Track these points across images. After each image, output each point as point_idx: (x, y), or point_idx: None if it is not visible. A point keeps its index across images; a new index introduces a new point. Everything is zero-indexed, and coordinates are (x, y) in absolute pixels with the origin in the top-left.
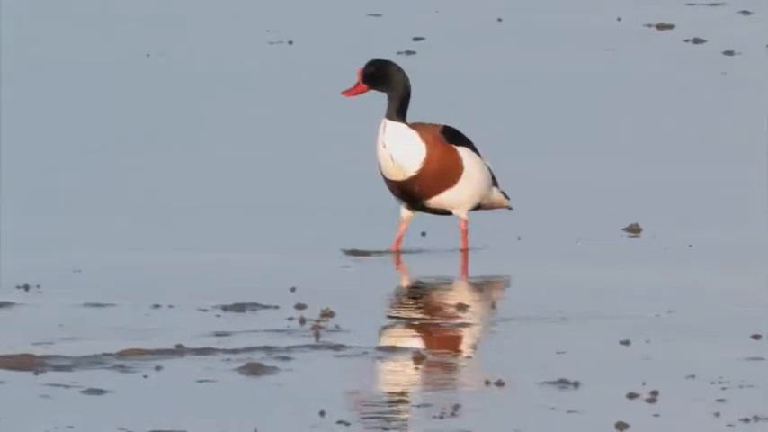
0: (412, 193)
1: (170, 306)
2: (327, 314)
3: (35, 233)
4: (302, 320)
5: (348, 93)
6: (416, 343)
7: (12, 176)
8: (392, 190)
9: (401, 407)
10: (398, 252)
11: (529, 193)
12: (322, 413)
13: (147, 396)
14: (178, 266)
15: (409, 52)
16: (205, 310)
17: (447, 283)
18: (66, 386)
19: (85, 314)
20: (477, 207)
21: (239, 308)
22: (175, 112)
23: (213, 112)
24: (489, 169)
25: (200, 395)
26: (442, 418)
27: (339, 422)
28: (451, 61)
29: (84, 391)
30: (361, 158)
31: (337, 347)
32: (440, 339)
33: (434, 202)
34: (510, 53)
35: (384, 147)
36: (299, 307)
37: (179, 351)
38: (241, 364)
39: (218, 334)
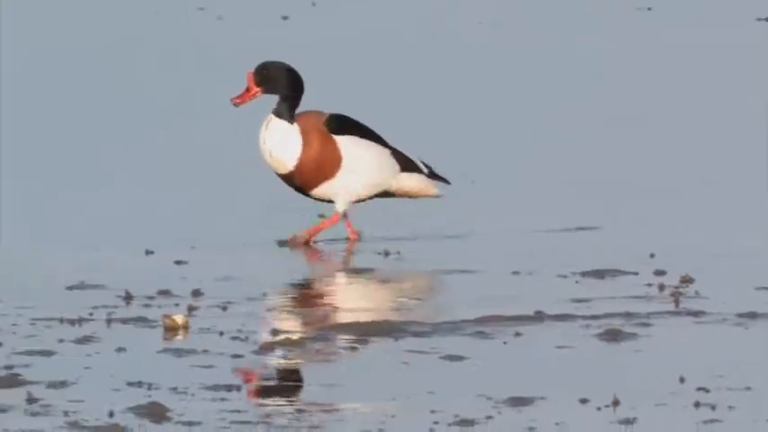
0: (294, 186)
1: (529, 273)
2: (687, 280)
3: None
4: (661, 287)
5: (239, 98)
6: None
7: None
8: (280, 180)
9: (763, 377)
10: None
11: None
12: (682, 380)
13: (506, 362)
14: (540, 235)
15: None
16: (564, 277)
17: None
18: (426, 352)
19: (444, 280)
20: (388, 195)
21: (598, 274)
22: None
23: None
24: (399, 156)
25: (558, 361)
26: None
27: (699, 389)
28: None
29: (442, 357)
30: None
31: (697, 314)
32: None
33: (318, 193)
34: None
35: (264, 143)
36: (659, 273)
37: (538, 317)
38: (600, 331)
39: (577, 300)
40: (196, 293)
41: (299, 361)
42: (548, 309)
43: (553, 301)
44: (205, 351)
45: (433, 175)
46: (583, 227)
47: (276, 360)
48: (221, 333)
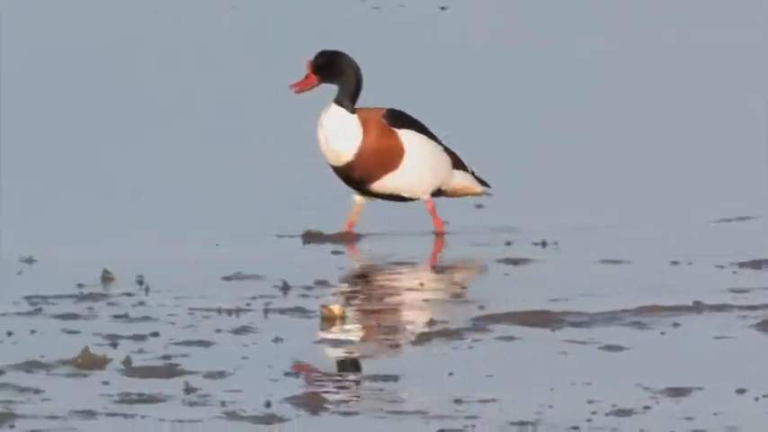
0: (353, 179)
1: (688, 263)
2: None
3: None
4: None
5: (298, 86)
6: None
7: None
8: (337, 175)
9: None
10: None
11: None
12: None
13: (664, 352)
14: (696, 226)
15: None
16: (722, 267)
17: None
18: (583, 342)
19: (601, 271)
20: (438, 193)
21: (756, 264)
22: None
23: None
24: (450, 153)
25: (716, 352)
26: None
27: None
28: None
29: (601, 348)
30: None
31: None
32: None
33: (378, 186)
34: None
35: (321, 128)
36: None
37: (696, 308)
38: (758, 321)
39: (734, 290)
40: (353, 283)
41: (455, 351)
42: (705, 299)
43: (711, 291)
44: (362, 341)
45: (473, 174)
46: (741, 217)
47: (433, 350)
48: (378, 324)
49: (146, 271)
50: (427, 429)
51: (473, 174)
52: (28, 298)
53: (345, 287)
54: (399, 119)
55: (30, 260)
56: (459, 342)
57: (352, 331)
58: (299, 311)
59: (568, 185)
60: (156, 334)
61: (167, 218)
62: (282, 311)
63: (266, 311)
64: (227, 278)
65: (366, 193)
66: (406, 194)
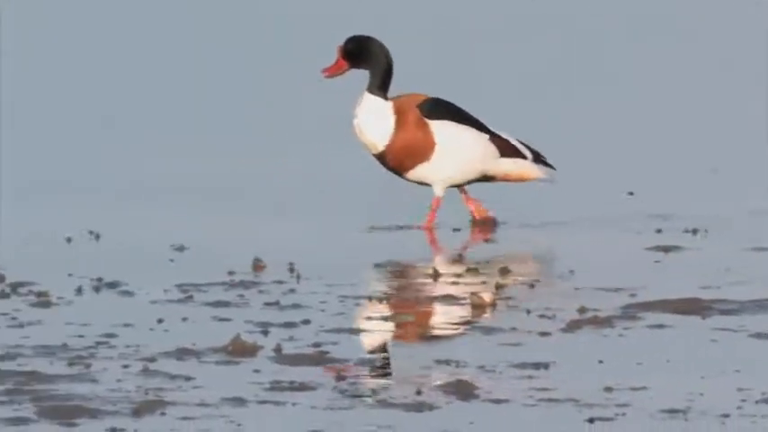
0: (388, 167)
1: None
2: None
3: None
4: None
5: (328, 71)
6: None
7: None
8: (376, 161)
9: None
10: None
11: None
12: None
13: None
14: None
15: None
16: None
17: None
18: (734, 330)
19: (752, 258)
20: (488, 179)
21: None
22: None
23: None
24: (500, 141)
25: None
26: None
27: None
28: None
29: (751, 335)
30: None
31: None
32: None
33: (412, 176)
34: None
35: (356, 117)
36: None
37: None
38: None
39: None
40: (504, 271)
41: (605, 339)
42: None
43: None
44: (513, 329)
45: (538, 159)
46: None
47: (583, 338)
48: (528, 311)
49: (297, 258)
50: (578, 417)
51: (536, 158)
52: (179, 286)
53: (495, 275)
54: (436, 109)
55: (181, 248)
56: (610, 330)
57: (503, 319)
58: (450, 299)
59: (715, 172)
60: (306, 321)
61: (318, 206)
62: (433, 299)
63: (417, 299)
64: (378, 265)
65: (403, 179)
66: (433, 184)
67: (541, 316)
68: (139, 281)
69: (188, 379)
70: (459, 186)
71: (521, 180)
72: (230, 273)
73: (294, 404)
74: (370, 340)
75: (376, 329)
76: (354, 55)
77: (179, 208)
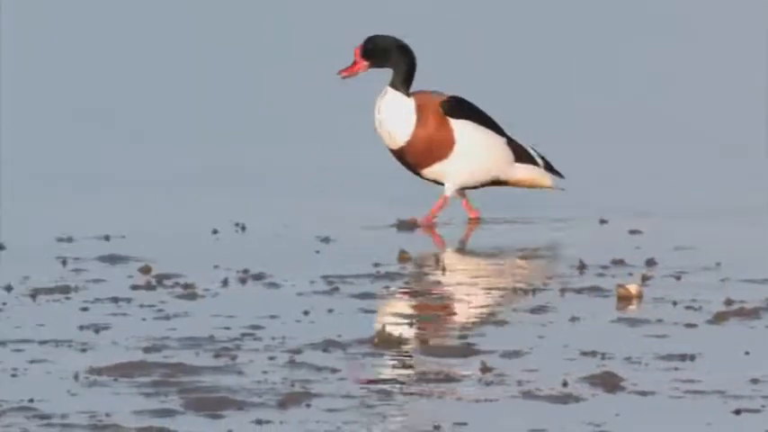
0: (405, 163)
1: None
2: None
3: None
4: None
5: (346, 71)
6: None
7: None
8: (392, 156)
9: None
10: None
11: None
12: None
13: None
14: None
15: None
16: None
17: None
18: None
19: None
20: (500, 184)
21: None
22: None
23: None
24: (516, 146)
25: None
26: None
27: None
28: None
29: None
30: None
31: None
32: None
33: (428, 173)
34: None
35: (378, 113)
36: None
37: None
38: None
39: None
40: (650, 263)
41: (752, 331)
42: None
43: None
44: (659, 321)
45: (548, 167)
46: None
47: (729, 330)
48: (674, 303)
49: (443, 250)
50: (724, 409)
51: (546, 165)
52: (325, 277)
53: (642, 267)
54: (458, 108)
55: (327, 240)
56: (757, 321)
57: (649, 311)
58: (596, 291)
59: None
60: (452, 313)
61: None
62: (579, 291)
63: (563, 291)
64: (523, 257)
65: (418, 176)
66: (447, 183)
67: (688, 307)
68: (285, 272)
69: (333, 371)
70: (470, 189)
71: (532, 187)
72: (376, 264)
73: (439, 396)
74: (515, 332)
75: (521, 321)
76: (375, 53)
77: (324, 200)
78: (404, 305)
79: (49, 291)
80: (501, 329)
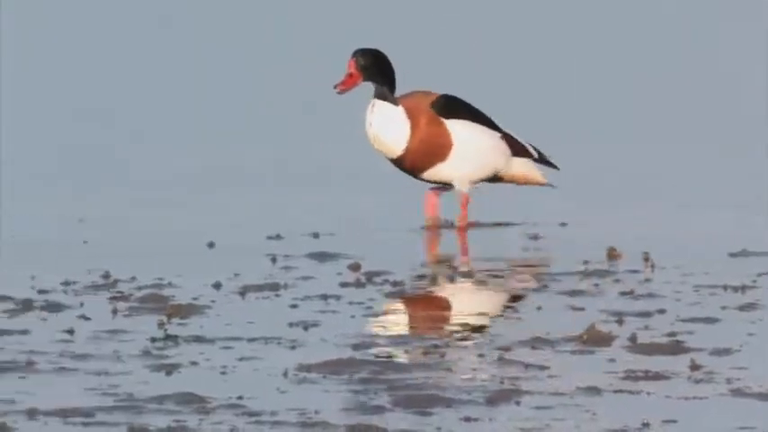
0: (404, 169)
1: None
2: None
3: None
4: None
5: (343, 85)
6: None
7: None
8: (391, 164)
9: None
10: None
11: None
12: None
13: None
14: None
15: None
16: None
17: None
18: None
19: None
20: (496, 179)
21: None
22: None
23: None
24: (511, 140)
25: None
26: None
27: None
28: None
29: None
30: None
31: None
32: None
33: (429, 175)
34: None
35: (371, 126)
36: None
37: None
38: None
39: None
40: None
41: None
42: None
43: None
44: None
45: (542, 159)
46: None
47: None
48: None
49: (651, 248)
50: None
51: (540, 158)
52: (536, 275)
53: None
54: (449, 107)
55: (535, 237)
56: None
57: None
58: None
59: None
60: (662, 311)
61: (673, 193)
62: None
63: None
64: (733, 255)
65: (418, 179)
66: (455, 182)
67: None
68: (494, 270)
69: (542, 368)
70: (475, 183)
71: (526, 183)
72: (585, 262)
73: (649, 393)
74: (725, 330)
75: (730, 318)
76: (369, 69)
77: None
78: (613, 302)
79: (259, 288)
80: (710, 327)
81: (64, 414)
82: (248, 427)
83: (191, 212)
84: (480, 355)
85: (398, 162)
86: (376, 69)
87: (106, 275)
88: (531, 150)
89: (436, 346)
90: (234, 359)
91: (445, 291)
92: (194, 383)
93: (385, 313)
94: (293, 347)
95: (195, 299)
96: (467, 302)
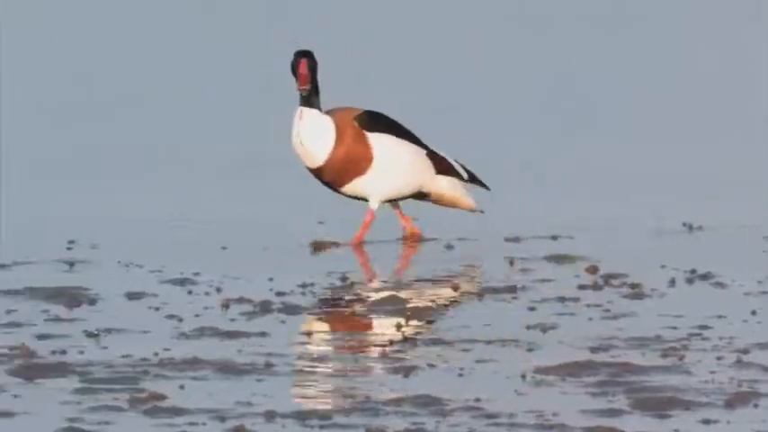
0: (324, 181)
1: None
2: None
3: None
4: None
5: (304, 84)
6: None
7: None
8: (311, 175)
9: None
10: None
11: None
12: None
13: None
14: None
15: None
16: None
17: None
18: None
19: None
20: (422, 196)
21: None
22: None
23: None
24: (436, 158)
25: None
26: None
27: None
28: None
29: None
30: None
31: None
32: None
33: (347, 190)
34: None
35: (298, 134)
36: None
37: None
38: None
39: None
40: None
41: None
42: None
43: None
44: None
45: (473, 179)
46: None
47: None
48: None
49: None
50: None
51: (471, 178)
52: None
53: None
54: (374, 121)
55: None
56: None
57: None
58: None
59: None
60: None
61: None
62: None
63: None
64: None
65: (337, 193)
66: (369, 198)
67: None
68: (732, 272)
69: None
70: (394, 201)
71: (452, 205)
72: None
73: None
74: None
75: None
76: (313, 71)
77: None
78: None
79: (496, 290)
80: None
81: (301, 417)
82: (486, 429)
83: (429, 215)
84: (719, 358)
85: (318, 173)
86: (314, 74)
87: (343, 278)
88: (460, 170)
89: (674, 349)
90: (471, 361)
91: (684, 293)
92: (432, 385)
93: (623, 315)
94: (531, 350)
95: (432, 301)
96: (706, 305)
